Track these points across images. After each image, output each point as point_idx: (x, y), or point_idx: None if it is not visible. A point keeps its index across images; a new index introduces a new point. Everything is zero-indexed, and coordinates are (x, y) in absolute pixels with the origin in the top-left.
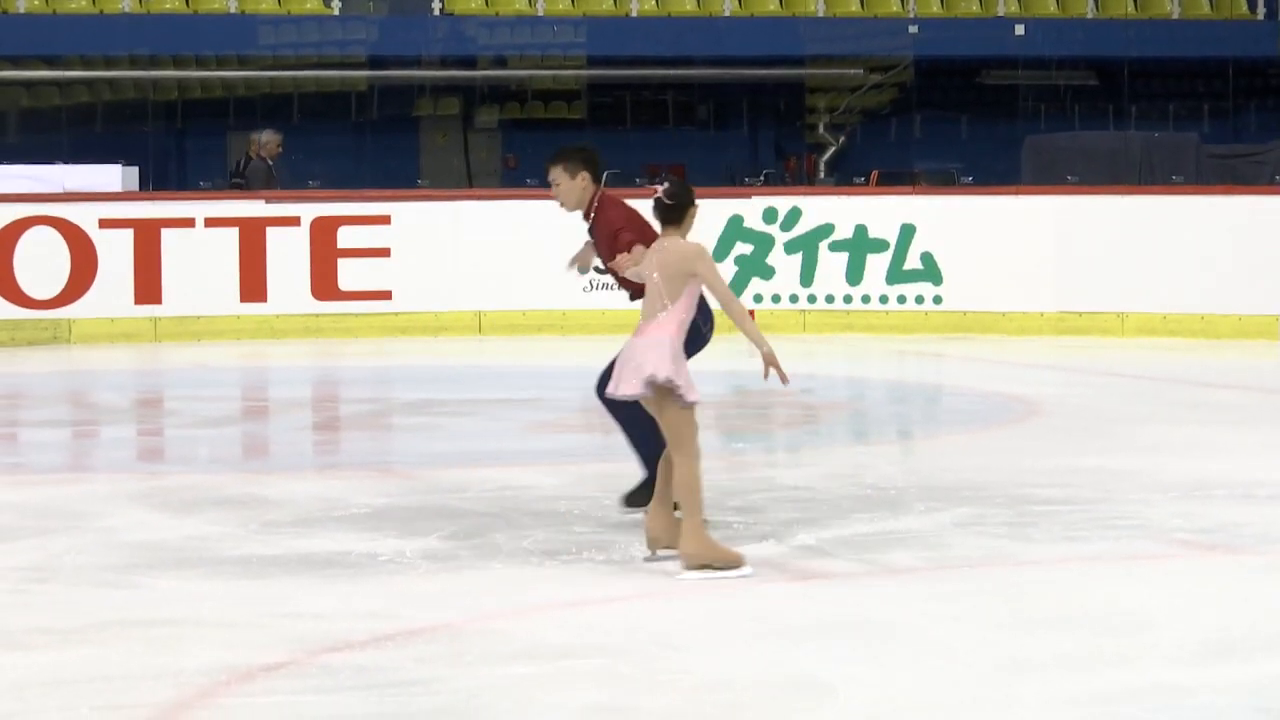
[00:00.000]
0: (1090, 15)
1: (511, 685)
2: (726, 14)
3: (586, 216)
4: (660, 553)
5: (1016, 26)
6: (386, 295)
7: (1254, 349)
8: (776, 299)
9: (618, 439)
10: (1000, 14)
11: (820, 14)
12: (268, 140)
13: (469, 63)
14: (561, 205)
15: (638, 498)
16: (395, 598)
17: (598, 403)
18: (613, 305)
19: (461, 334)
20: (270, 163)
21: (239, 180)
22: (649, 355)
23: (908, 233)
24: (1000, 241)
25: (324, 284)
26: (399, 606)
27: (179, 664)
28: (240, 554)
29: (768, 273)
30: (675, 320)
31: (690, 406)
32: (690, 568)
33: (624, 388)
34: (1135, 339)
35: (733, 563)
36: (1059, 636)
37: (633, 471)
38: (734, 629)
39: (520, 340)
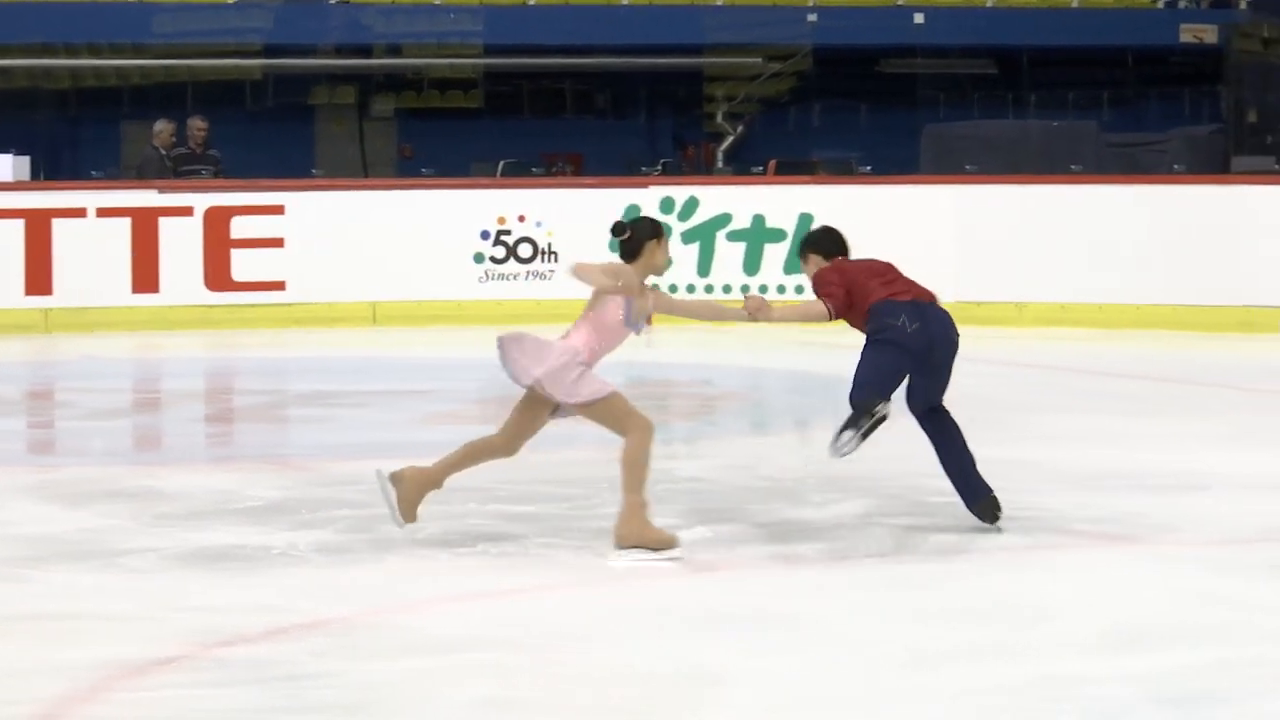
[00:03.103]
0: (989, 4)
1: (406, 679)
2: (625, 2)
3: None
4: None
5: (915, 15)
6: (280, 286)
7: (1152, 339)
8: (674, 289)
9: None
10: (899, 2)
11: (720, 2)
12: (161, 129)
13: (365, 51)
14: None
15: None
16: (289, 591)
17: (494, 393)
18: (508, 296)
19: (356, 325)
20: (164, 152)
21: (190, 169)
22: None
23: (806, 222)
24: (899, 231)
25: (217, 275)
26: (293, 600)
27: (70, 658)
28: (133, 547)
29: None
30: (584, 330)
31: (603, 398)
32: (623, 548)
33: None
34: (1034, 329)
35: (666, 544)
36: (958, 628)
37: (532, 460)
38: (632, 622)
39: (415, 331)
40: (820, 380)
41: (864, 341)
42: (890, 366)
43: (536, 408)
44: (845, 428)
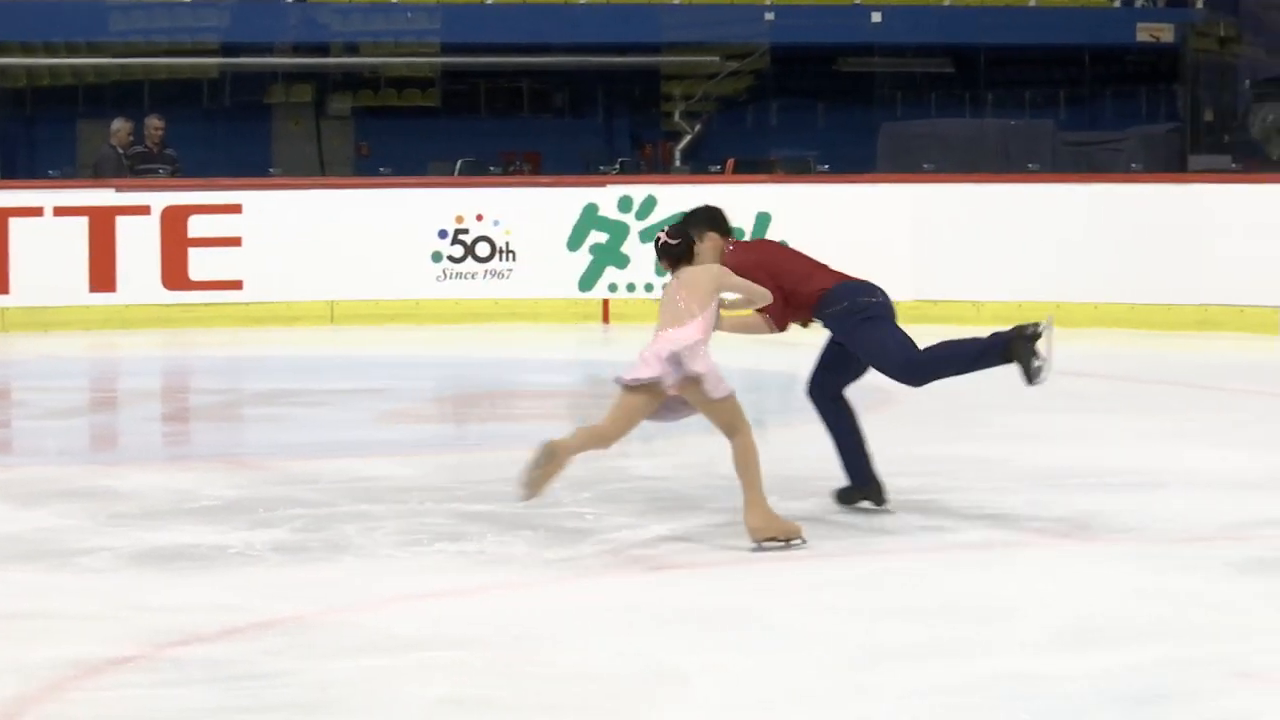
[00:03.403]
0: (946, 2)
1: (364, 678)
2: (582, 1)
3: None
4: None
5: (873, 14)
6: (238, 285)
7: (1110, 337)
8: (631, 288)
9: (470, 429)
10: (856, 1)
11: (677, 1)
12: (118, 128)
13: (322, 50)
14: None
15: (845, 495)
16: (245, 590)
17: (451, 392)
18: (466, 295)
19: (314, 324)
20: (121, 151)
21: (147, 168)
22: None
23: (763, 221)
24: (856, 229)
25: (174, 274)
26: (249, 599)
27: (25, 657)
28: (88, 546)
29: (622, 261)
30: (701, 324)
31: (731, 396)
32: (758, 540)
33: (640, 372)
34: (991, 327)
35: (794, 534)
36: (915, 625)
37: (488, 460)
38: (590, 620)
39: (373, 330)
40: (775, 378)
41: (857, 323)
42: (904, 333)
43: (643, 407)
44: (1027, 359)
